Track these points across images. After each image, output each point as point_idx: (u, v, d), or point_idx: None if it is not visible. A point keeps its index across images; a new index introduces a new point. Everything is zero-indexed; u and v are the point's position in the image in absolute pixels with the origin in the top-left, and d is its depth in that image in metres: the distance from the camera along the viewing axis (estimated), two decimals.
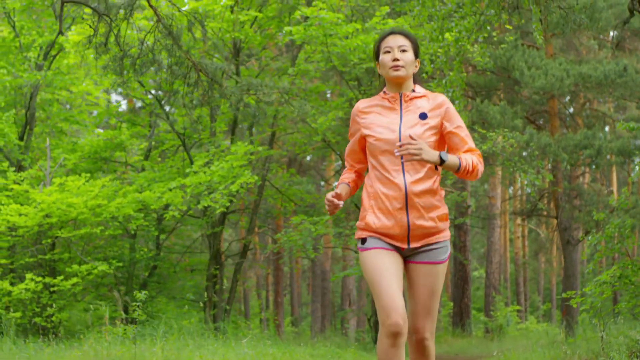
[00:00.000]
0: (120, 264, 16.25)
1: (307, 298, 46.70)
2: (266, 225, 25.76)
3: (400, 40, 4.03)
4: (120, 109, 22.07)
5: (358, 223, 4.11)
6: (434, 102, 4.03)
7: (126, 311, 15.81)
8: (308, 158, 26.80)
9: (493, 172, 21.85)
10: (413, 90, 4.06)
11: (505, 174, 25.66)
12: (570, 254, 17.81)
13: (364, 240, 4.02)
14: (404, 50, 4.01)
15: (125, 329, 9.63)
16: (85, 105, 21.75)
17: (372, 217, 3.98)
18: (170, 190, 15.51)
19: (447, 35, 10.76)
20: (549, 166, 18.23)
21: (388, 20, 14.80)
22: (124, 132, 19.13)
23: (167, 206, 16.68)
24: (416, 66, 4.08)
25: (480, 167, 4.04)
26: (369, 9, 15.56)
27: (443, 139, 4.06)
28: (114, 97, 36.69)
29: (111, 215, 15.72)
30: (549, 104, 17.59)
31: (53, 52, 17.72)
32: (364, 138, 4.08)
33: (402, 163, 3.93)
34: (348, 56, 14.92)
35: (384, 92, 4.08)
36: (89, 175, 16.51)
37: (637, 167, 20.59)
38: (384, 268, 3.89)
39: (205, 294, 17.08)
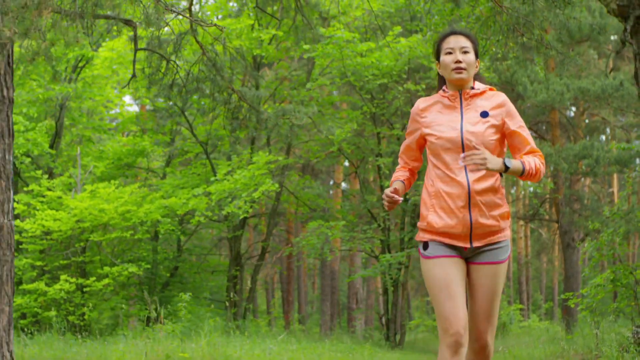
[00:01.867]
0: (149, 266, 17.31)
1: (312, 296, 47.62)
2: (280, 227, 26.81)
3: (462, 41, 4.00)
4: (141, 117, 23.03)
5: (419, 223, 4.08)
6: (495, 100, 4.01)
7: (154, 310, 16.83)
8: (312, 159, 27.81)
9: None
10: (472, 88, 4.03)
11: (506, 177, 26.64)
12: (570, 256, 18.86)
13: (425, 246, 4.00)
14: (465, 52, 3.98)
15: (173, 327, 10.67)
16: (107, 113, 22.85)
17: (434, 216, 3.96)
18: (195, 196, 16.57)
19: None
20: (550, 174, 19.27)
21: (400, 39, 15.85)
22: (146, 140, 20.17)
23: (191, 211, 17.72)
24: (476, 66, 4.04)
25: (543, 169, 4.02)
26: (383, 27, 16.58)
27: (504, 138, 4.03)
28: (128, 100, 37.60)
29: (140, 220, 16.80)
30: (550, 115, 18.65)
31: (81, 64, 18.79)
32: (423, 137, 4.06)
33: None
34: (362, 72, 15.96)
35: (444, 90, 4.06)
36: (117, 182, 17.59)
37: (633, 175, 21.58)
38: (447, 278, 3.87)
39: (226, 294, 18.17)
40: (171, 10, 7.54)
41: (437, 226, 3.95)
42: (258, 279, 36.27)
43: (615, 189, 34.34)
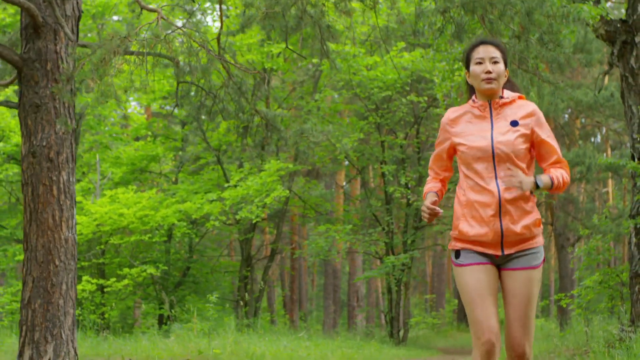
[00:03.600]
0: (166, 267, 18.26)
1: (311, 293, 48.48)
2: (285, 228, 27.77)
3: (491, 51, 4.04)
4: (153, 123, 23.92)
5: (452, 232, 4.14)
6: (524, 110, 4.03)
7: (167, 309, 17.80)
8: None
9: None
10: (501, 97, 4.06)
11: None
12: (564, 258, 19.85)
13: (457, 254, 4.05)
14: (495, 62, 4.02)
15: (202, 326, 11.61)
16: (118, 118, 23.77)
17: (466, 225, 4.00)
18: (210, 202, 17.52)
19: (456, 74, 12.77)
20: None
21: (403, 54, 16.83)
22: (158, 145, 21.09)
23: (205, 215, 18.67)
24: (506, 76, 4.07)
25: (568, 180, 4.09)
26: (387, 42, 17.55)
27: (532, 146, 4.04)
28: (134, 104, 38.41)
29: (157, 224, 17.74)
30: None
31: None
32: (453, 147, 4.11)
33: (495, 170, 3.96)
34: (368, 84, 16.94)
35: (473, 100, 4.10)
36: (134, 187, 18.55)
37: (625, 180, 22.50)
38: (478, 286, 3.94)
39: (238, 293, 19.14)
40: (203, 47, 8.39)
41: (469, 235, 3.99)
42: (259, 276, 37.32)
43: (610, 188, 35.32)
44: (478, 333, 3.88)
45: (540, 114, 4.05)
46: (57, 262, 7.22)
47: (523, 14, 6.74)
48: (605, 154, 29.25)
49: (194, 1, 8.73)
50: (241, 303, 17.75)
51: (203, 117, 17.70)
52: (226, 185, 17.44)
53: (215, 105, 10.23)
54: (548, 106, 17.09)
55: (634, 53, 11.33)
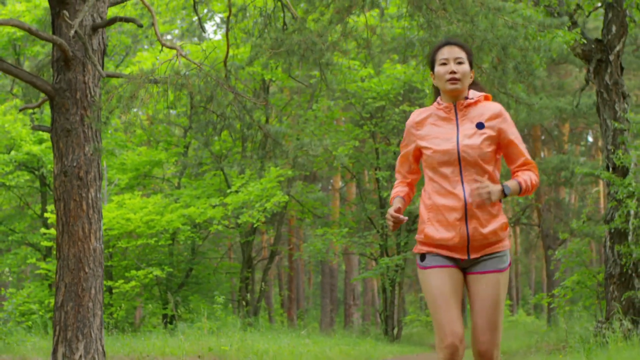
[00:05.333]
0: (171, 269, 19.16)
1: (308, 292, 49.28)
2: (283, 230, 28.72)
3: (456, 52, 3.97)
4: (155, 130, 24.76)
5: (417, 236, 4.08)
6: (490, 111, 3.96)
7: (172, 309, 18.69)
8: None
9: None
10: (466, 98, 3.99)
11: None
12: (551, 258, 20.81)
13: (422, 257, 4.00)
14: (460, 62, 3.95)
15: (210, 325, 12.52)
16: (120, 124, 24.60)
17: (432, 229, 3.95)
18: (213, 207, 18.43)
19: None
20: None
21: (396, 65, 17.74)
22: (161, 151, 21.96)
23: (208, 219, 19.56)
24: (471, 77, 4.01)
25: (537, 181, 4.03)
26: (380, 56, 18.48)
27: (499, 148, 3.99)
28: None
29: (162, 228, 18.64)
30: (533, 130, 20.60)
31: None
32: (419, 149, 4.04)
33: (461, 173, 3.90)
34: (363, 95, 17.87)
35: (438, 102, 4.01)
36: (140, 192, 19.45)
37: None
38: (443, 289, 3.90)
39: (239, 293, 20.06)
40: (219, 82, 9.24)
41: (435, 239, 3.95)
42: (258, 278, 38.23)
43: (601, 187, 36.25)
44: (441, 336, 3.87)
45: (507, 115, 3.99)
46: (86, 270, 8.12)
47: (499, 48, 7.63)
48: (596, 155, 30.26)
49: (204, 31, 9.61)
50: (243, 303, 18.65)
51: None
52: (228, 190, 18.33)
53: (222, 122, 11.11)
54: (530, 116, 18.03)
55: (609, 70, 12.26)
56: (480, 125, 3.92)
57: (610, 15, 12.24)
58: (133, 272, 18.30)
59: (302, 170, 18.94)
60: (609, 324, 11.08)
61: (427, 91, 14.33)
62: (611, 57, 12.22)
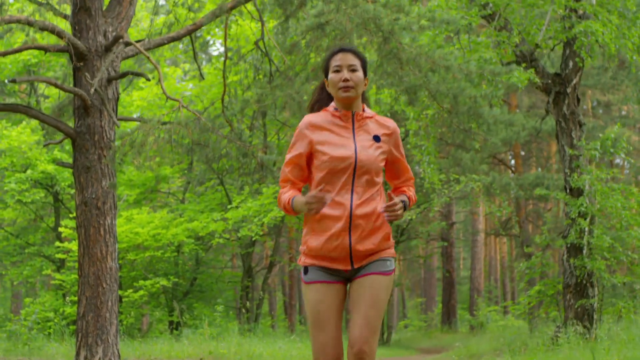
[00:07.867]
0: (177, 279, 20.64)
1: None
2: (283, 239, 30.18)
3: (350, 59, 3.95)
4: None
5: (301, 247, 4.00)
6: (385, 127, 4.00)
7: (177, 316, 20.16)
8: None
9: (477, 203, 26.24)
10: (363, 110, 4.00)
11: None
12: (515, 269, 22.26)
13: (305, 270, 3.94)
14: (354, 70, 3.92)
15: (211, 331, 13.99)
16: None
17: (314, 239, 3.88)
18: (215, 221, 19.91)
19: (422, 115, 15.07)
20: (512, 199, 22.70)
21: (383, 90, 19.19)
22: (166, 167, 23.42)
23: (210, 232, 21.04)
24: (365, 84, 4.00)
25: (415, 197, 4.16)
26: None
27: (386, 163, 4.04)
28: None
29: (168, 241, 20.13)
30: (513, 147, 22.06)
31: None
32: (312, 154, 3.95)
33: (353, 182, 3.86)
34: None
35: (335, 108, 3.97)
36: (148, 207, 20.95)
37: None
38: (323, 307, 3.85)
39: (241, 301, 21.54)
40: (215, 133, 10.68)
41: (317, 250, 3.88)
42: (260, 285, 39.73)
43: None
44: (319, 352, 3.86)
45: (398, 133, 4.06)
46: (104, 285, 9.60)
47: (451, 97, 9.09)
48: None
49: (203, 78, 11.11)
50: (243, 310, 20.10)
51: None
52: (229, 206, 19.80)
53: (219, 150, 12.56)
54: (512, 134, 19.49)
55: (566, 102, 13.67)
56: (377, 138, 3.95)
57: (567, 51, 13.61)
58: (141, 281, 19.77)
59: None
60: (566, 328, 12.47)
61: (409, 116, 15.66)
62: (568, 90, 13.57)
